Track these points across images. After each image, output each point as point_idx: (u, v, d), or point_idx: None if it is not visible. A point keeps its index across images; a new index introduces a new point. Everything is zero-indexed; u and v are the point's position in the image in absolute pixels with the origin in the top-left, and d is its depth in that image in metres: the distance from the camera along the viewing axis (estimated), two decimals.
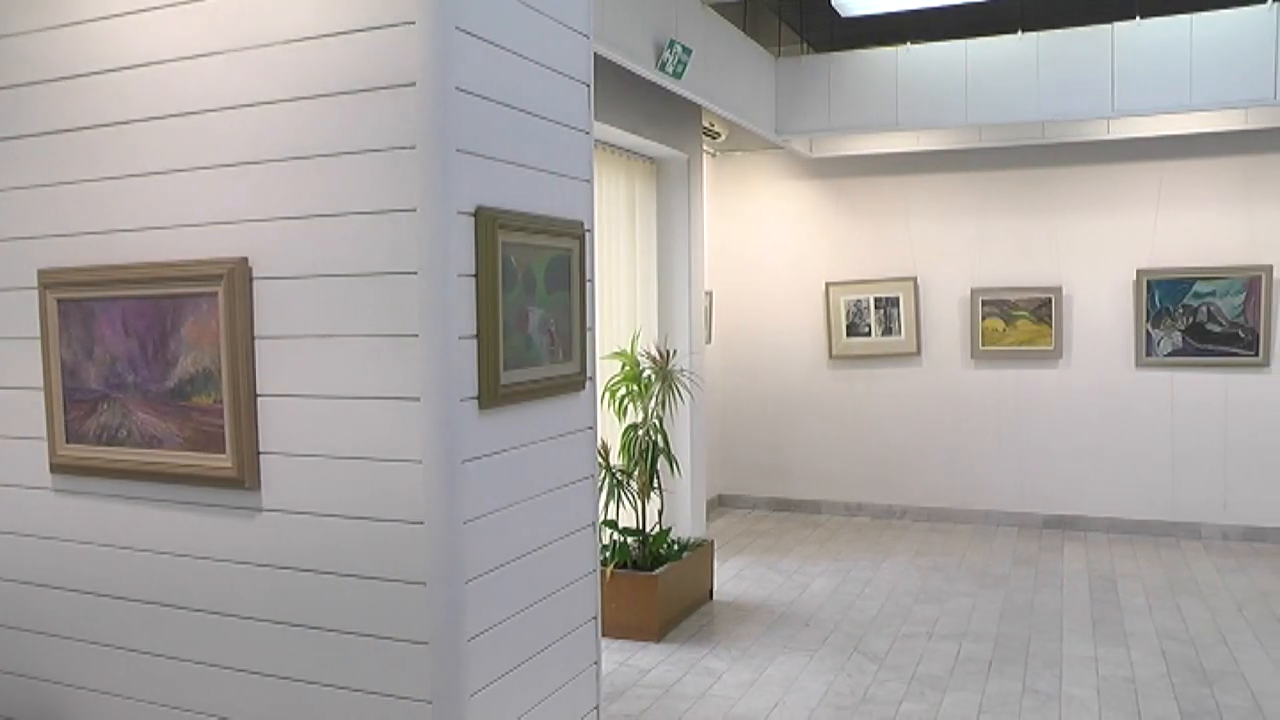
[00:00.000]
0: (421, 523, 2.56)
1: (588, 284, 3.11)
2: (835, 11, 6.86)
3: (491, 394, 2.66)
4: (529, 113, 2.82)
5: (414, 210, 2.52)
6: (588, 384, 3.14)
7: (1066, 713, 4.77)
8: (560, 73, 2.98)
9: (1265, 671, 5.26)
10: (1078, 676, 5.22)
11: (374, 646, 2.64)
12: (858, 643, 5.70)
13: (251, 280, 2.73)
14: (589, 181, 3.14)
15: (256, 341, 2.74)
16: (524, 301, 2.78)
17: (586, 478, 3.17)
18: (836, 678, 5.17)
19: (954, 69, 7.39)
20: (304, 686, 2.74)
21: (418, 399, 2.54)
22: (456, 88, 2.52)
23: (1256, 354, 7.92)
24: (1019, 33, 7.25)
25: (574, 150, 3.05)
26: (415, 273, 2.52)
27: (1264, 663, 5.38)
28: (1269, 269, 7.85)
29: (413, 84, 2.50)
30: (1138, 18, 6.99)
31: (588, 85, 3.12)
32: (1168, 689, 5.05)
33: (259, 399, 2.75)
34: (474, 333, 2.61)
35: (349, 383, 2.63)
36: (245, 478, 2.76)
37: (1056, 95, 7.17)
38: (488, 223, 2.61)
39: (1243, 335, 7.94)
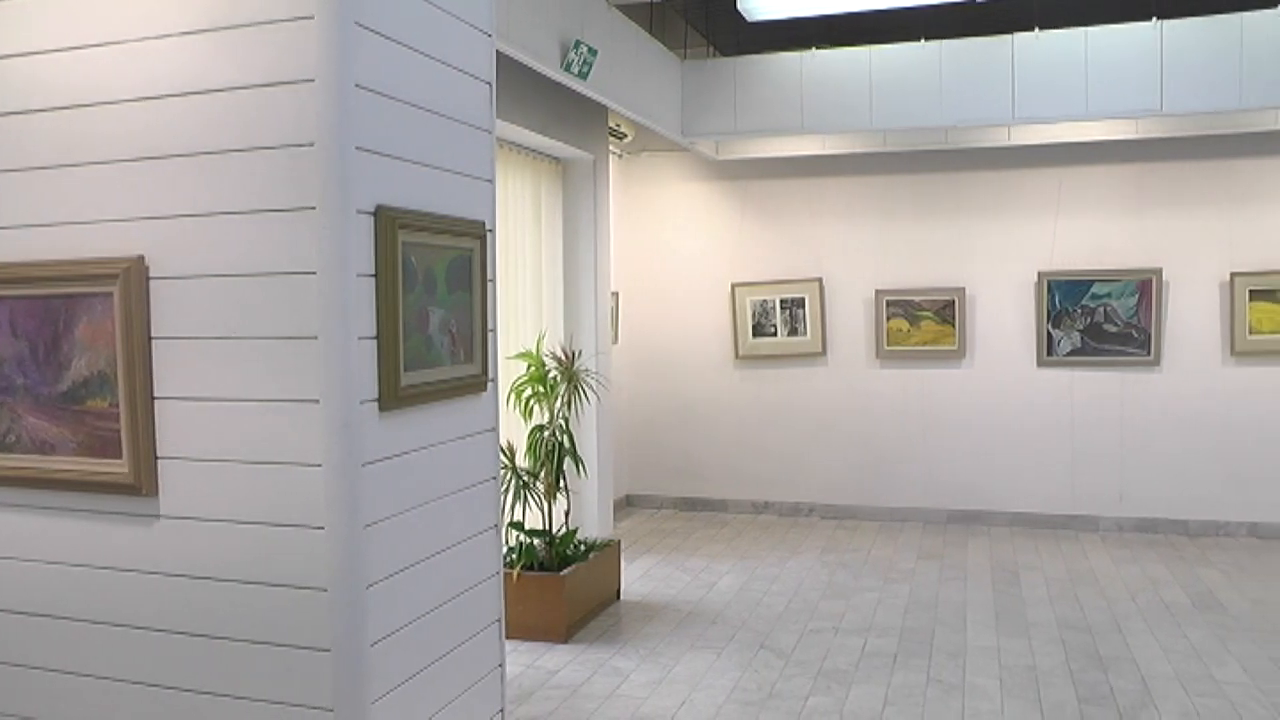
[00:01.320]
0: (322, 527, 2.51)
1: (489, 284, 3.09)
2: (741, 15, 6.92)
3: (392, 396, 2.62)
4: (430, 111, 2.79)
5: (313, 209, 2.47)
6: (489, 385, 3.12)
7: (969, 702, 4.87)
8: (462, 71, 2.95)
9: (1155, 655, 5.47)
10: (981, 666, 5.34)
11: (274, 654, 2.59)
12: (764, 639, 5.75)
13: (148, 280, 2.65)
14: (491, 181, 3.12)
15: (153, 343, 2.66)
16: (425, 302, 2.75)
17: (489, 479, 3.15)
18: (743, 674, 5.22)
19: (858, 75, 7.51)
20: (203, 698, 2.67)
21: (317, 401, 2.50)
22: (356, 84, 2.48)
23: (1149, 353, 8.21)
24: (922, 41, 7.40)
25: (476, 149, 3.03)
26: (314, 273, 2.48)
27: (1154, 647, 5.59)
28: (1159, 272, 8.15)
29: (311, 80, 2.45)
30: (1036, 30, 7.21)
31: (490, 84, 3.09)
32: (1066, 675, 5.20)
33: (156, 402, 2.67)
34: (374, 334, 2.57)
35: (248, 385, 2.57)
36: (142, 484, 2.67)
37: (959, 102, 7.35)
38: (388, 222, 2.58)
39: (1136, 335, 8.23)
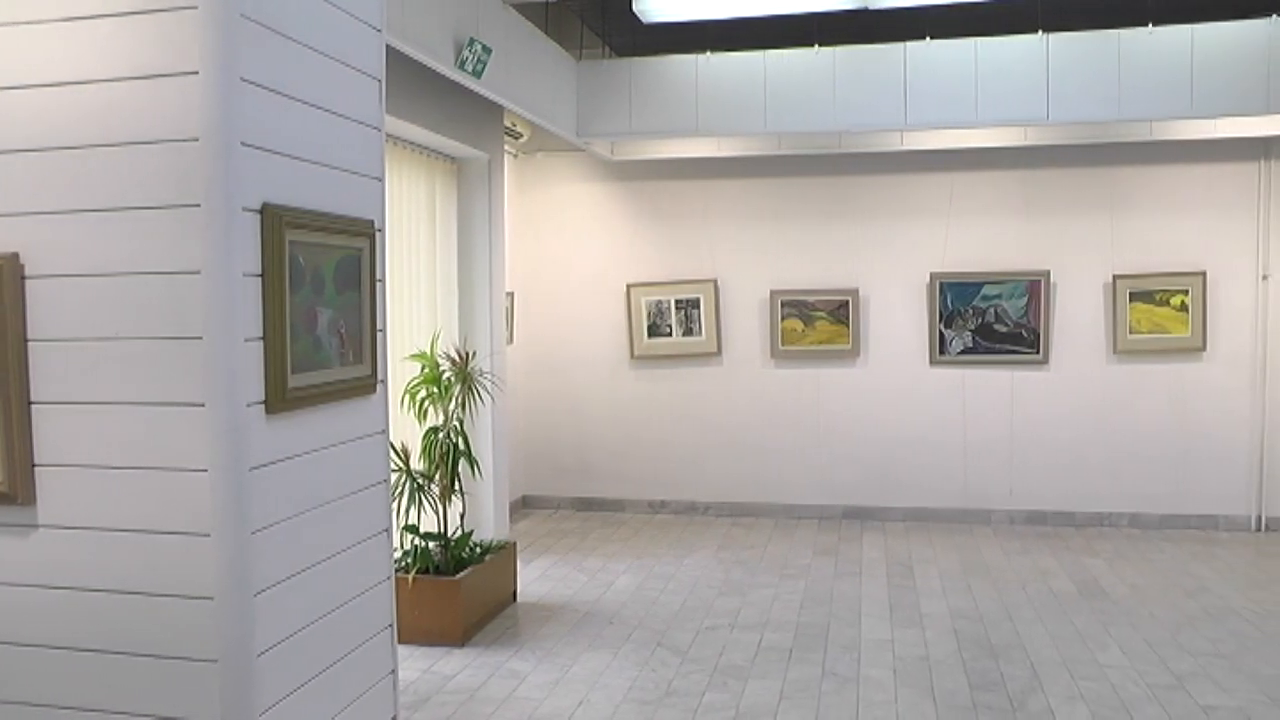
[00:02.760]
0: (208, 534, 2.44)
1: (379, 284, 3.04)
2: (637, 17, 6.94)
3: (279, 398, 2.56)
4: (318, 107, 2.74)
5: (197, 206, 2.40)
6: (380, 387, 3.07)
7: (864, 693, 4.97)
8: (351, 66, 2.90)
9: (1043, 643, 5.67)
10: (875, 658, 5.45)
11: (159, 667, 2.51)
12: (661, 637, 5.78)
13: (23, 278, 2.54)
14: (380, 180, 3.07)
15: (29, 345, 2.55)
16: (313, 302, 2.69)
17: (380, 482, 3.10)
18: (640, 673, 5.23)
19: (753, 78, 7.59)
20: (87, 715, 2.58)
21: (202, 404, 2.43)
22: (241, 78, 2.42)
23: (1037, 352, 8.49)
24: (816, 47, 7.52)
25: (365, 147, 2.98)
26: (198, 272, 2.41)
27: (1043, 635, 5.79)
28: (1047, 274, 8.43)
29: (195, 73, 2.38)
30: (928, 38, 7.39)
31: (380, 80, 3.05)
32: (958, 664, 5.34)
33: (33, 407, 2.56)
34: (260, 334, 2.51)
35: (130, 388, 2.49)
36: (18, 493, 2.56)
37: (852, 107, 7.49)
38: (274, 220, 2.52)
39: (1026, 335, 8.49)
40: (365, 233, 2.94)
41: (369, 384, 2.99)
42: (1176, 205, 8.36)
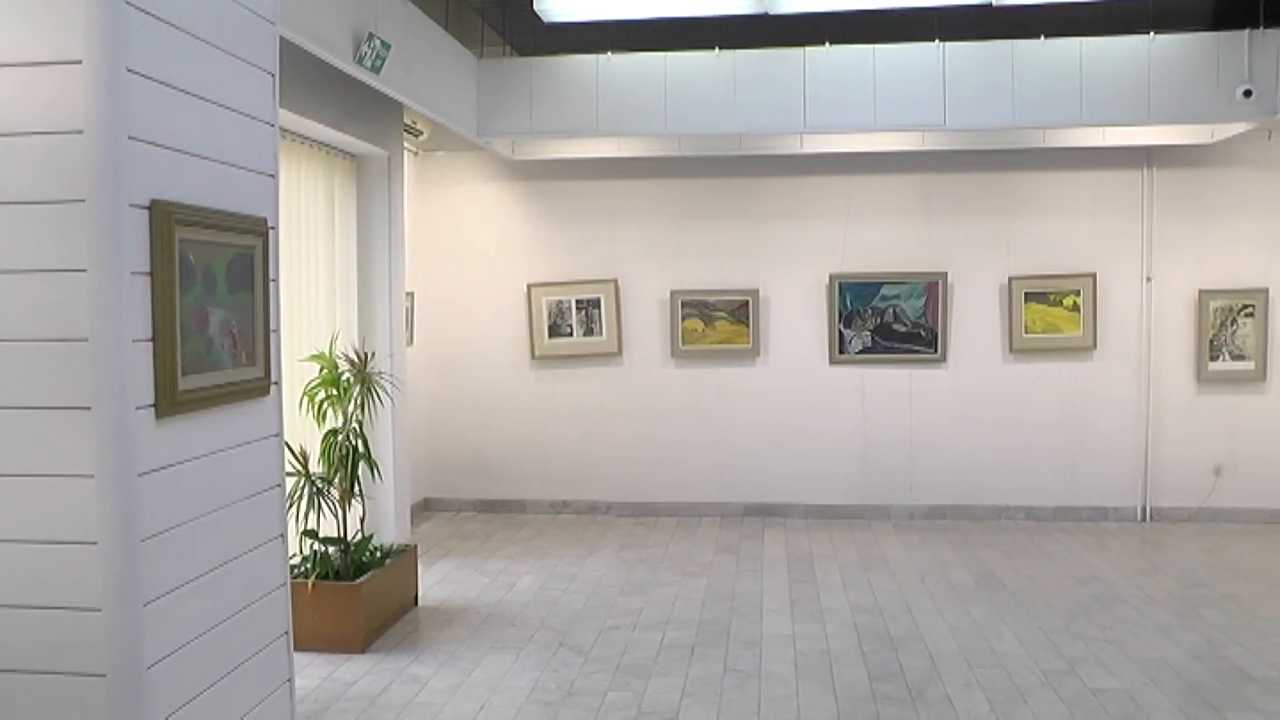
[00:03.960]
0: (95, 543, 2.37)
1: (272, 284, 2.97)
2: (538, 16, 6.90)
3: (169, 401, 2.49)
4: (209, 100, 2.66)
5: (82, 201, 2.32)
6: (273, 388, 3.00)
7: (765, 688, 5.01)
8: (244, 59, 2.83)
9: (941, 633, 5.80)
10: (777, 653, 5.50)
11: (45, 683, 2.41)
12: (563, 638, 5.75)
13: None
14: (273, 176, 3.00)
15: None
16: (204, 302, 2.62)
17: (274, 487, 3.03)
18: (543, 674, 5.20)
19: (653, 80, 7.61)
20: None
21: (88, 408, 2.35)
22: (128, 69, 2.34)
23: (935, 351, 8.68)
24: (716, 50, 7.57)
25: (258, 142, 2.91)
26: (84, 270, 2.33)
27: (941, 626, 5.92)
28: (945, 275, 8.63)
29: (79, 62, 2.30)
30: (827, 44, 7.50)
31: (273, 74, 2.98)
32: (859, 657, 5.43)
33: None
34: (149, 335, 2.44)
35: (11, 391, 2.40)
36: None
37: (752, 110, 7.56)
38: (164, 217, 2.45)
39: (924, 334, 8.67)
40: (258, 231, 2.87)
41: (262, 386, 2.93)
42: (1068, 210, 8.63)
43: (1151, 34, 7.34)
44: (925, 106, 7.46)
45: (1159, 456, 8.62)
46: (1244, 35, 7.33)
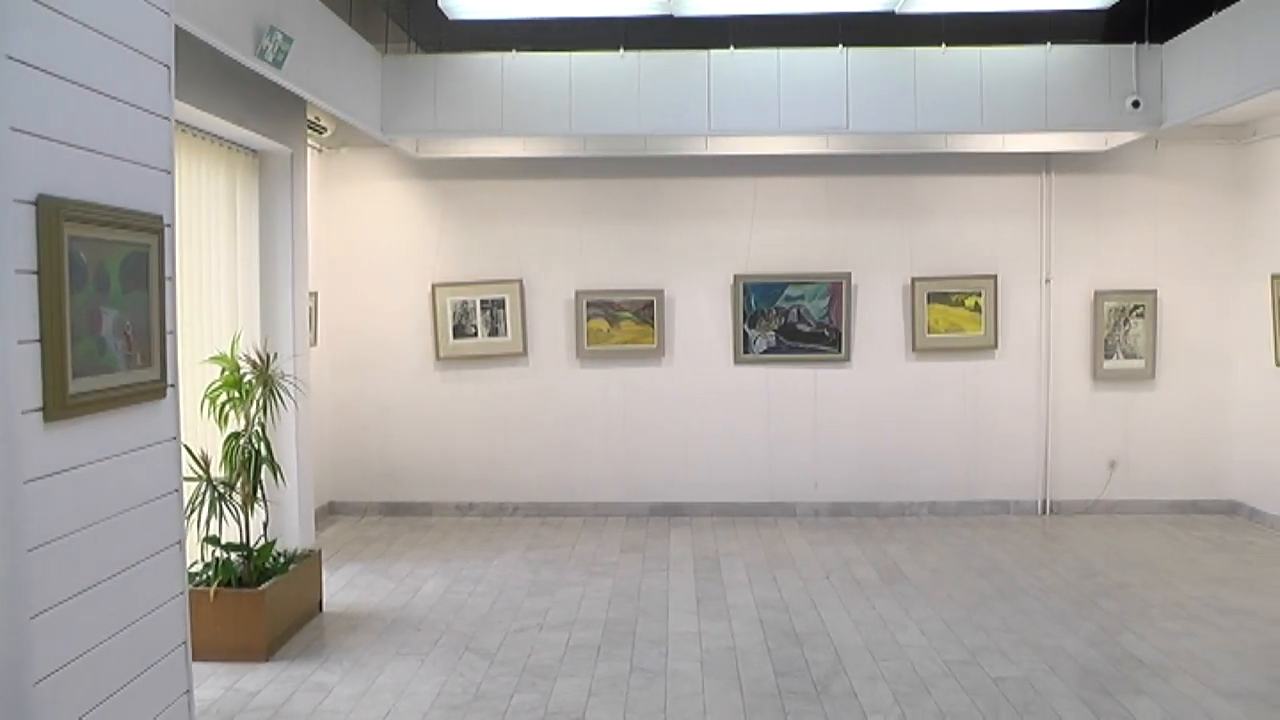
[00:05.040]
0: None
1: (169, 283, 2.88)
2: (443, 12, 6.82)
3: (59, 405, 2.40)
4: (100, 92, 2.56)
5: None
6: (170, 391, 2.91)
7: (671, 686, 5.02)
8: (136, 50, 2.73)
9: (846, 628, 5.88)
10: (682, 651, 5.52)
11: None
12: (469, 641, 5.70)
13: None
14: (169, 172, 2.91)
15: None
16: (96, 302, 2.53)
17: (172, 492, 2.94)
18: (449, 678, 5.14)
19: (559, 79, 7.58)
20: None
21: None
22: (9, 56, 2.24)
23: (839, 350, 8.79)
24: (621, 51, 7.57)
25: (152, 137, 2.81)
26: None
27: (846, 621, 6.01)
28: (848, 275, 8.74)
29: None
30: (732, 47, 7.55)
31: (168, 66, 2.88)
32: (764, 653, 5.47)
33: None
34: (37, 336, 2.34)
35: None
36: None
37: (656, 112, 7.59)
38: (51, 213, 2.35)
39: (828, 334, 8.78)
40: (154, 228, 2.78)
41: (158, 388, 2.84)
42: (970, 213, 8.82)
43: (1049, 45, 7.56)
44: (829, 110, 7.58)
45: (1057, 451, 8.86)
46: (1132, 49, 7.60)
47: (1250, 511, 8.58)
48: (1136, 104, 7.50)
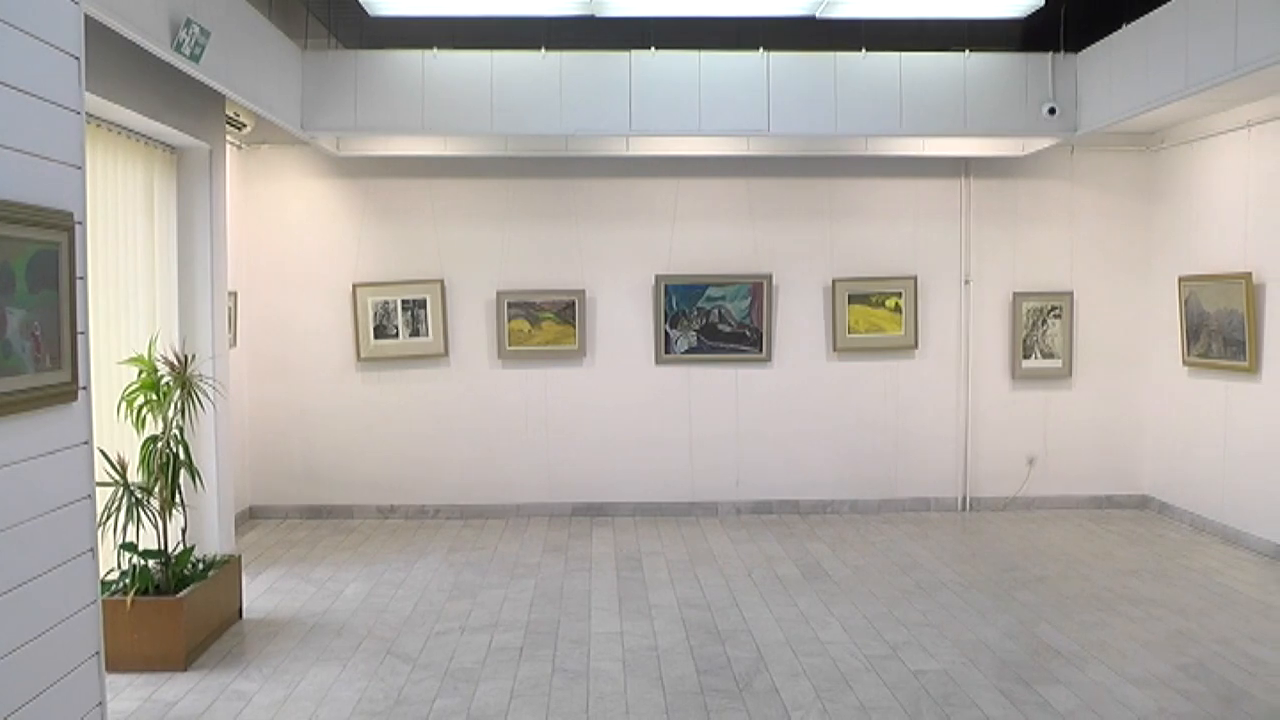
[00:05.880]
0: None
1: (79, 282, 2.80)
2: (364, 8, 6.74)
3: None
4: (3, 84, 2.48)
5: None
6: (82, 394, 2.83)
7: (594, 686, 5.03)
8: (43, 41, 2.65)
9: (768, 625, 5.94)
10: (605, 651, 5.52)
11: None
12: (391, 645, 5.64)
13: None
14: (80, 167, 2.83)
15: None
16: (1, 302, 2.45)
17: (84, 498, 2.86)
18: (370, 684, 5.08)
19: (480, 78, 7.54)
20: None
21: None
22: None
23: (761, 350, 8.87)
24: (543, 51, 7.55)
25: (61, 131, 2.73)
26: None
27: (768, 618, 6.07)
28: (769, 277, 8.82)
29: None
30: (653, 49, 7.57)
31: (78, 58, 2.80)
32: (686, 652, 5.50)
33: None
34: None
35: None
36: None
37: (578, 111, 7.58)
38: None
39: (749, 334, 8.84)
40: (63, 225, 2.70)
41: (69, 391, 2.76)
42: (890, 215, 8.96)
43: (967, 52, 7.70)
44: (750, 113, 7.63)
45: (977, 449, 9.03)
46: (1048, 58, 7.77)
47: (1160, 505, 8.83)
48: (1052, 111, 7.68)
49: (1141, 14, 6.99)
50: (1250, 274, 7.47)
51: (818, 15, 6.85)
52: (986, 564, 7.24)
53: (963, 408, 9.03)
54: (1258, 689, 4.92)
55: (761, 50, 7.63)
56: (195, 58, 5.40)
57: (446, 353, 8.86)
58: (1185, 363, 8.33)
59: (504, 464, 8.92)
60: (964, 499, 9.05)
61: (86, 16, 3.10)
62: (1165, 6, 6.72)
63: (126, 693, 4.95)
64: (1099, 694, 4.88)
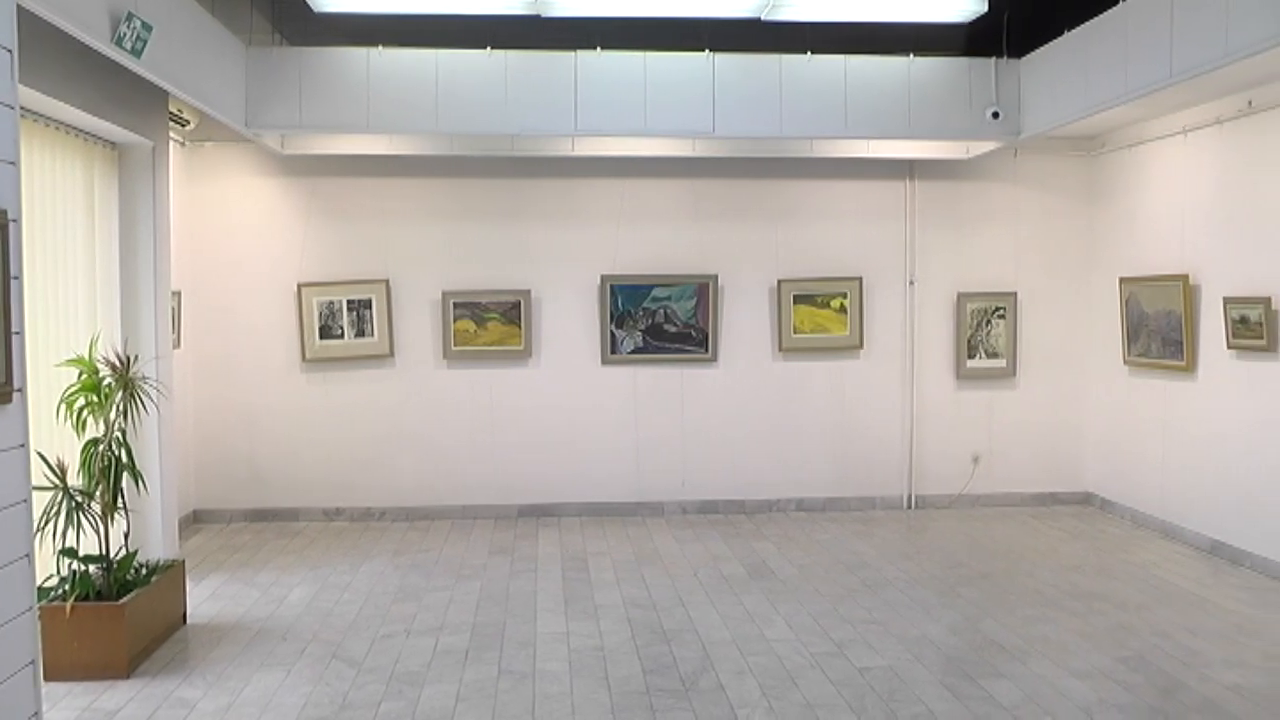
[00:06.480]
0: None
1: (14, 281, 2.75)
2: (308, 4, 6.67)
3: None
4: None
5: None
6: (17, 396, 2.78)
7: (540, 687, 5.02)
8: None
9: (714, 624, 5.98)
10: (551, 652, 5.52)
11: None
12: (336, 649, 5.59)
13: None
14: (13, 163, 2.77)
15: None
16: None
17: (19, 503, 2.81)
18: (315, 688, 5.04)
19: (425, 77, 7.49)
20: None
21: None
22: None
23: (706, 351, 8.92)
24: (489, 50, 7.52)
25: None
26: None
27: (714, 617, 6.11)
28: (715, 277, 8.87)
29: None
30: (599, 49, 7.57)
31: (10, 51, 2.74)
32: (632, 651, 5.52)
33: None
34: None
35: None
36: None
37: (524, 111, 7.56)
38: None
39: (695, 335, 8.88)
40: None
41: (4, 392, 2.71)
42: (835, 216, 9.03)
43: (911, 56, 7.78)
44: (695, 114, 7.66)
45: (922, 448, 9.14)
46: (991, 63, 7.87)
47: (1102, 502, 8.99)
48: (996, 115, 7.79)
49: (1082, 22, 7.12)
50: (1187, 275, 7.63)
51: (763, 18, 6.89)
52: (931, 561, 7.33)
53: (908, 407, 9.13)
54: (1193, 680, 5.04)
55: (707, 52, 7.66)
56: (137, 53, 5.31)
57: (392, 353, 8.80)
58: (1126, 362, 8.48)
59: (450, 465, 8.88)
60: (909, 497, 9.15)
61: (20, 8, 3.03)
62: (1105, 14, 6.85)
63: (65, 702, 4.87)
64: (1042, 687, 4.97)
